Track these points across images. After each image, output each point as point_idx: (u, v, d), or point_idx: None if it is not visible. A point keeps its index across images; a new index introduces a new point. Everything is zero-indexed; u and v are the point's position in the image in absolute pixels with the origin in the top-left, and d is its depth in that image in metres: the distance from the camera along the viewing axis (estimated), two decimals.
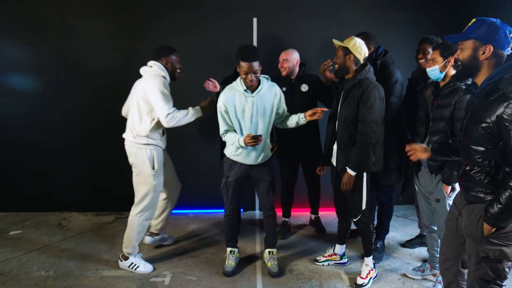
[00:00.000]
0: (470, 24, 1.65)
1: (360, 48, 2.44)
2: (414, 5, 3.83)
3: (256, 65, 2.46)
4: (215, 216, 3.91)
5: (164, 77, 2.74)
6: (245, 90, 2.56)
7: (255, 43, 3.74)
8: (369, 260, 2.70)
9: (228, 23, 3.75)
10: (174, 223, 3.75)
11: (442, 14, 3.81)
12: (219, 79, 3.64)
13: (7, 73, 3.76)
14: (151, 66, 2.80)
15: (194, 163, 3.93)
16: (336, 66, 2.53)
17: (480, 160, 1.61)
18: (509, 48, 1.60)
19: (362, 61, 2.49)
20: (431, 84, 2.47)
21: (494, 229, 1.60)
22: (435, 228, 2.54)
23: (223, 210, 4.01)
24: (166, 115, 2.62)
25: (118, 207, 4.04)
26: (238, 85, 2.59)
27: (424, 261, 2.95)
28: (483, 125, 1.56)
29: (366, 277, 2.66)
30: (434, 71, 2.30)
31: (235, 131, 2.64)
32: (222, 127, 2.64)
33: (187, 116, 2.76)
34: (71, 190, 3.99)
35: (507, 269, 1.64)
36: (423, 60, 2.77)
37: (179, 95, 3.85)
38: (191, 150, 3.91)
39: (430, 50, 2.66)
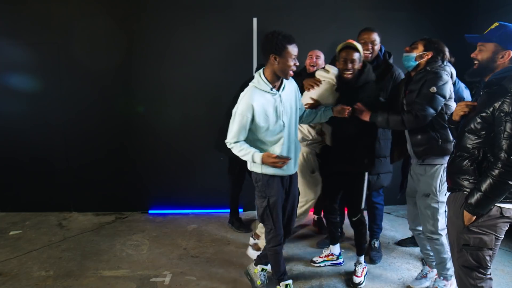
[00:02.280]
0: (492, 27, 1.74)
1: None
2: (414, 5, 3.84)
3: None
4: (215, 216, 3.91)
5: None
6: (271, 89, 2.17)
7: (255, 43, 3.74)
8: (361, 259, 2.75)
9: (228, 23, 3.75)
10: (174, 223, 3.75)
11: (442, 14, 3.81)
12: (219, 79, 3.65)
13: (7, 73, 3.76)
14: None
15: (194, 163, 3.93)
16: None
17: (471, 147, 1.72)
18: None
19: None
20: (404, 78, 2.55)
21: (474, 218, 1.70)
22: (420, 229, 2.52)
23: (223, 210, 4.02)
24: None
25: (118, 207, 4.05)
26: (261, 84, 2.16)
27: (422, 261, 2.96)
28: (482, 114, 1.67)
29: (361, 275, 2.70)
30: (409, 58, 2.33)
31: (244, 141, 2.25)
32: (234, 137, 2.18)
33: None
34: (71, 190, 3.99)
35: (487, 257, 1.73)
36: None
37: (179, 95, 3.89)
38: (192, 150, 3.91)
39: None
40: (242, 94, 2.20)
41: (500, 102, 1.61)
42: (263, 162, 2.12)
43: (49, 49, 3.72)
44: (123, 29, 3.74)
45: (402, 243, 3.30)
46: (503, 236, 1.76)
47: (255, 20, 3.74)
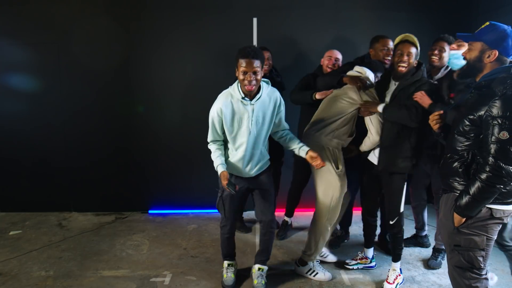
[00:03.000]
0: (483, 26, 1.72)
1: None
2: (414, 5, 3.83)
3: (257, 63, 2.16)
4: (215, 216, 3.91)
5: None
6: (243, 98, 2.26)
7: (255, 43, 3.74)
8: (396, 265, 2.66)
9: (228, 23, 3.75)
10: (174, 223, 3.75)
11: (442, 14, 3.81)
12: (219, 78, 3.64)
13: (7, 73, 3.76)
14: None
15: (194, 163, 3.93)
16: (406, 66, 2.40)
17: (460, 149, 1.73)
18: None
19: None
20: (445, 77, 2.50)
21: (464, 220, 1.71)
22: None
23: None
24: None
25: (118, 207, 4.05)
26: (235, 91, 2.29)
27: (424, 261, 2.96)
28: (470, 117, 1.68)
29: (394, 282, 2.62)
30: (458, 56, 2.29)
31: (221, 142, 2.42)
32: (210, 136, 2.40)
33: None
34: (71, 190, 3.99)
35: (480, 258, 1.73)
36: (436, 57, 2.75)
37: (179, 95, 3.89)
38: (192, 150, 3.91)
39: (446, 48, 2.69)
40: (218, 96, 2.35)
41: (488, 106, 1.61)
42: (221, 177, 2.29)
43: (49, 49, 3.72)
44: (123, 29, 3.74)
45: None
46: (495, 237, 1.76)
47: (255, 20, 3.74)
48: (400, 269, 2.68)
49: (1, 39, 3.71)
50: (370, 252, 2.90)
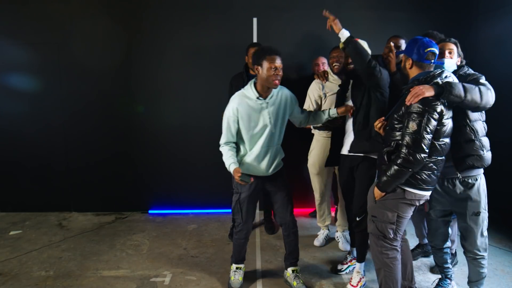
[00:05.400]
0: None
1: None
2: (414, 5, 3.84)
3: (280, 59, 2.29)
4: (215, 216, 3.91)
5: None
6: (257, 98, 2.35)
7: None
8: (361, 267, 2.61)
9: (228, 23, 3.75)
10: (174, 223, 3.75)
11: (442, 14, 3.81)
12: (219, 78, 3.65)
13: (7, 73, 3.77)
14: None
15: (194, 163, 3.93)
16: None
17: (390, 140, 2.04)
18: (429, 60, 2.00)
19: None
20: None
21: (383, 194, 2.05)
22: (448, 245, 2.41)
23: (223, 210, 4.02)
24: None
25: (118, 207, 4.05)
26: (249, 92, 2.36)
27: (424, 261, 2.95)
28: (400, 113, 2.00)
29: (357, 285, 2.56)
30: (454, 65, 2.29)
31: (234, 144, 2.44)
32: (224, 138, 2.42)
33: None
34: (71, 190, 3.99)
35: (390, 230, 2.06)
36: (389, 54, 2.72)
37: (179, 95, 3.89)
38: (192, 150, 3.91)
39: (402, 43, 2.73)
40: (231, 98, 2.41)
41: (408, 104, 1.94)
42: (233, 174, 2.29)
43: (49, 49, 3.73)
44: (123, 29, 3.74)
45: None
46: (407, 216, 2.06)
47: (255, 20, 3.74)
48: (364, 271, 2.62)
49: (1, 39, 3.71)
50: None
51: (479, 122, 2.13)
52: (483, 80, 2.11)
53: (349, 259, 2.86)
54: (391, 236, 2.06)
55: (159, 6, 3.72)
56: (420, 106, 1.88)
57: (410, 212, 2.06)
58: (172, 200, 4.03)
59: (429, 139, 1.89)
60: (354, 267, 2.73)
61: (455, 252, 2.84)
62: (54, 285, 2.65)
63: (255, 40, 3.76)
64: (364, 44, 2.47)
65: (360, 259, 2.61)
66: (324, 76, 3.02)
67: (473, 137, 2.08)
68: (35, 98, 3.81)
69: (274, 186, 2.53)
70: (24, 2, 3.67)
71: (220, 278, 2.73)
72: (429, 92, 1.88)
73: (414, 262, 2.97)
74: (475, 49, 3.70)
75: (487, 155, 2.12)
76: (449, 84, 1.90)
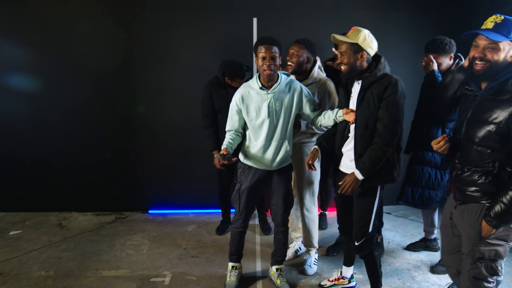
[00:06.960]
0: (498, 21, 1.63)
1: (371, 42, 2.04)
2: (414, 5, 3.83)
3: (275, 49, 2.24)
4: (215, 216, 3.91)
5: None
6: (260, 88, 2.35)
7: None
8: (348, 271, 2.53)
9: (228, 23, 3.75)
10: (174, 223, 3.75)
11: (442, 14, 3.81)
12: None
13: (7, 73, 3.76)
14: None
15: (194, 163, 3.93)
16: (344, 67, 2.06)
17: (483, 161, 1.59)
18: None
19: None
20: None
21: (494, 230, 1.60)
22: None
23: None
24: None
25: (118, 207, 4.05)
26: (253, 82, 2.39)
27: (423, 261, 2.95)
28: (491, 125, 1.54)
29: (333, 281, 2.54)
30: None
31: (237, 132, 2.46)
32: (228, 125, 2.48)
33: None
34: (71, 190, 3.99)
35: (499, 268, 1.68)
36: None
37: (179, 95, 3.89)
38: (191, 150, 3.91)
39: None
40: (237, 89, 2.47)
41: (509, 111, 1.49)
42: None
43: (49, 49, 3.72)
44: (123, 29, 3.74)
45: (411, 247, 3.17)
46: None
47: (255, 20, 3.74)
48: (352, 279, 2.54)
49: (1, 39, 3.71)
50: (349, 271, 2.55)
51: None
52: None
53: (335, 277, 2.60)
54: (500, 272, 1.69)
55: (159, 5, 3.71)
56: None
57: None
58: (172, 200, 4.03)
59: None
60: (341, 287, 2.56)
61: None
62: (54, 285, 2.65)
63: (255, 40, 3.76)
64: (372, 41, 2.07)
65: (374, 286, 2.34)
66: None
67: None
68: (34, 98, 3.81)
69: (276, 181, 2.51)
70: (24, 2, 3.66)
71: (220, 278, 2.73)
72: None
73: (414, 262, 2.98)
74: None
75: None
76: None
